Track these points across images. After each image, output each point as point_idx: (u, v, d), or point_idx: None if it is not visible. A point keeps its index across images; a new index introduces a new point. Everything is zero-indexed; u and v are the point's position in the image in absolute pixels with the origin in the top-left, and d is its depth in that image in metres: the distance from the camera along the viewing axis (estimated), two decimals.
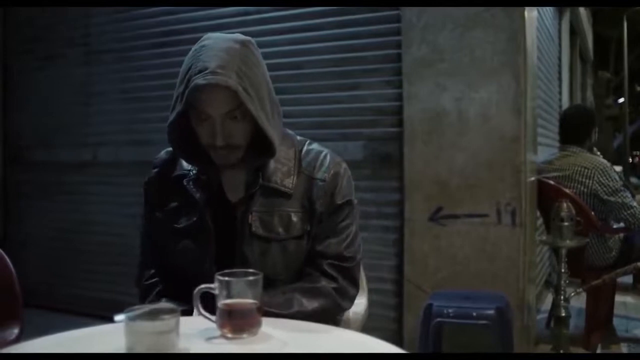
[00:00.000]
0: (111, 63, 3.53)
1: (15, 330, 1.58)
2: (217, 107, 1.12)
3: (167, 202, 1.26)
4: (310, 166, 1.25)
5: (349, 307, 1.27)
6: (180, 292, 1.19)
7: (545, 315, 3.09)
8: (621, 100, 12.18)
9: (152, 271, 1.31)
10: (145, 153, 2.91)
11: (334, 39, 2.85)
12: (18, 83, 3.92)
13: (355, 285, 1.26)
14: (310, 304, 1.17)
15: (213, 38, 1.17)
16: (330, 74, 2.85)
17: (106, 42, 3.54)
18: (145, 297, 1.28)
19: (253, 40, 1.19)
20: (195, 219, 1.21)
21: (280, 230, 1.20)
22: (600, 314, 2.77)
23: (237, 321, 0.92)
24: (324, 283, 1.20)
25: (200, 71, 1.09)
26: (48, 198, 3.79)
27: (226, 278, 0.92)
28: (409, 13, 2.58)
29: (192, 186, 1.22)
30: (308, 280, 1.21)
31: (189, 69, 1.13)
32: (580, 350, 2.64)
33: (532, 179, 2.61)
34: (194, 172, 1.24)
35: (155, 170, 1.31)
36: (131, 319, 0.82)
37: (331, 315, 1.21)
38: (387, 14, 2.71)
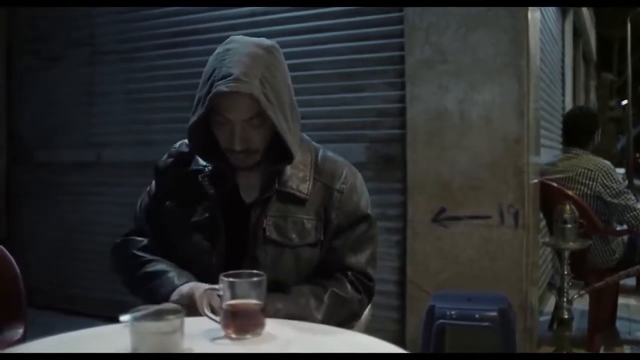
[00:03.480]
0: (115, 64, 3.54)
1: (20, 330, 1.58)
2: (238, 113, 1.12)
3: (180, 194, 1.26)
4: (327, 174, 1.25)
5: (360, 318, 1.30)
6: None
7: (548, 317, 3.08)
8: (624, 102, 12.15)
9: (146, 240, 1.28)
10: (149, 154, 2.92)
11: (337, 41, 2.85)
12: (22, 83, 3.93)
13: (371, 300, 1.29)
14: (339, 313, 1.19)
15: (238, 42, 1.16)
16: (334, 76, 2.86)
17: (110, 43, 3.55)
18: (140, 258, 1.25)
19: (277, 44, 1.19)
20: (207, 214, 1.21)
21: (294, 236, 1.20)
22: (603, 316, 2.77)
23: (241, 322, 0.92)
24: (352, 293, 1.22)
25: (223, 77, 1.09)
26: (52, 198, 3.80)
27: (230, 279, 0.93)
28: (412, 15, 2.58)
29: (207, 182, 1.22)
30: (338, 286, 1.21)
31: (212, 72, 1.12)
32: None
33: (535, 180, 2.61)
34: (209, 168, 1.24)
35: (171, 159, 1.31)
36: (136, 320, 0.82)
37: (348, 325, 1.22)
38: (390, 15, 2.71)
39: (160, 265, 1.22)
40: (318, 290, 1.19)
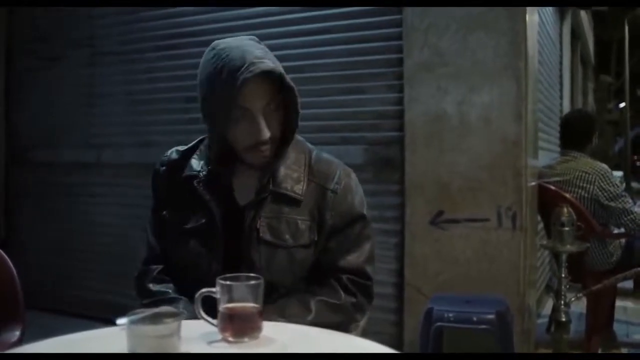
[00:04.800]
0: (115, 64, 3.54)
1: (17, 332, 1.58)
2: (257, 99, 1.13)
3: (175, 201, 1.26)
4: (321, 175, 1.25)
5: (362, 320, 1.28)
6: (185, 292, 1.20)
7: (546, 319, 3.09)
8: (622, 104, 12.18)
9: (160, 267, 1.29)
10: (149, 155, 2.91)
11: (335, 44, 2.85)
12: (22, 84, 3.93)
13: (371, 300, 1.28)
14: (330, 319, 1.18)
15: (225, 42, 1.17)
16: (332, 78, 2.86)
17: (111, 44, 3.55)
18: (153, 288, 1.26)
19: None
20: (204, 220, 1.21)
21: (288, 237, 1.20)
22: (600, 319, 2.77)
23: (239, 325, 0.93)
24: (345, 299, 1.22)
25: (238, 68, 1.09)
26: (51, 199, 3.80)
27: (227, 282, 0.93)
28: (411, 17, 2.58)
29: (202, 187, 1.22)
30: (330, 294, 1.21)
31: (219, 73, 1.11)
32: None
33: (533, 183, 2.61)
34: (203, 173, 1.24)
35: (164, 168, 1.31)
36: (133, 323, 0.82)
37: (345, 328, 1.21)
38: (389, 18, 2.71)
39: (170, 296, 1.22)
40: (305, 299, 1.18)
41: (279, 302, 1.18)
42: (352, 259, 1.24)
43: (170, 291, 1.25)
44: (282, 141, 1.21)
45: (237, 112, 1.13)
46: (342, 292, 1.22)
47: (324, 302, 1.19)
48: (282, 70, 1.14)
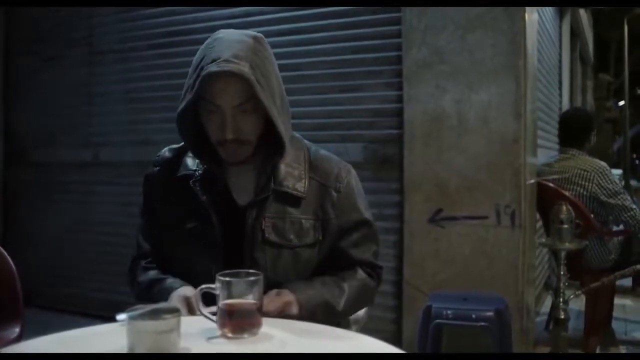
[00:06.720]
0: (113, 63, 3.54)
1: (16, 330, 1.58)
2: (228, 98, 1.10)
3: (171, 202, 1.23)
4: (321, 172, 1.24)
5: (373, 303, 1.33)
6: None
7: (545, 317, 3.09)
8: (621, 103, 12.19)
9: (149, 259, 1.28)
10: (147, 153, 2.90)
11: (334, 41, 2.86)
12: (21, 83, 3.93)
13: (379, 285, 1.32)
14: (359, 301, 1.23)
15: (225, 32, 1.17)
16: (331, 76, 2.86)
17: (109, 43, 3.55)
18: (140, 276, 1.26)
19: (264, 37, 1.19)
20: (201, 221, 1.18)
21: (292, 237, 1.19)
22: (599, 317, 2.78)
23: (238, 321, 0.93)
24: (367, 280, 1.26)
25: (213, 60, 1.07)
26: (50, 198, 3.80)
27: (227, 278, 0.93)
28: (410, 15, 2.58)
29: (198, 187, 1.19)
30: (354, 276, 1.24)
31: (202, 59, 1.11)
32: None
33: (532, 181, 2.62)
34: (199, 172, 1.21)
35: (157, 168, 1.28)
36: (133, 319, 0.82)
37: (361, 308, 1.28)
38: (387, 16, 2.72)
39: (160, 276, 1.23)
40: (338, 280, 1.21)
41: (316, 279, 1.19)
42: (360, 253, 1.26)
43: (156, 272, 1.24)
44: (272, 149, 1.17)
45: (208, 105, 1.12)
46: (363, 274, 1.26)
47: (354, 282, 1.22)
48: (255, 77, 1.07)
